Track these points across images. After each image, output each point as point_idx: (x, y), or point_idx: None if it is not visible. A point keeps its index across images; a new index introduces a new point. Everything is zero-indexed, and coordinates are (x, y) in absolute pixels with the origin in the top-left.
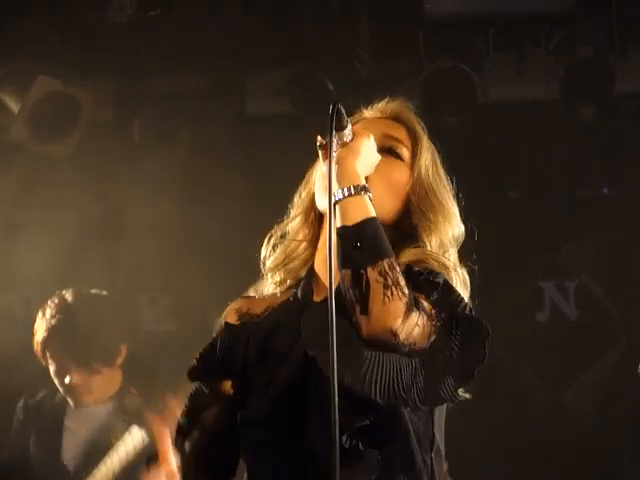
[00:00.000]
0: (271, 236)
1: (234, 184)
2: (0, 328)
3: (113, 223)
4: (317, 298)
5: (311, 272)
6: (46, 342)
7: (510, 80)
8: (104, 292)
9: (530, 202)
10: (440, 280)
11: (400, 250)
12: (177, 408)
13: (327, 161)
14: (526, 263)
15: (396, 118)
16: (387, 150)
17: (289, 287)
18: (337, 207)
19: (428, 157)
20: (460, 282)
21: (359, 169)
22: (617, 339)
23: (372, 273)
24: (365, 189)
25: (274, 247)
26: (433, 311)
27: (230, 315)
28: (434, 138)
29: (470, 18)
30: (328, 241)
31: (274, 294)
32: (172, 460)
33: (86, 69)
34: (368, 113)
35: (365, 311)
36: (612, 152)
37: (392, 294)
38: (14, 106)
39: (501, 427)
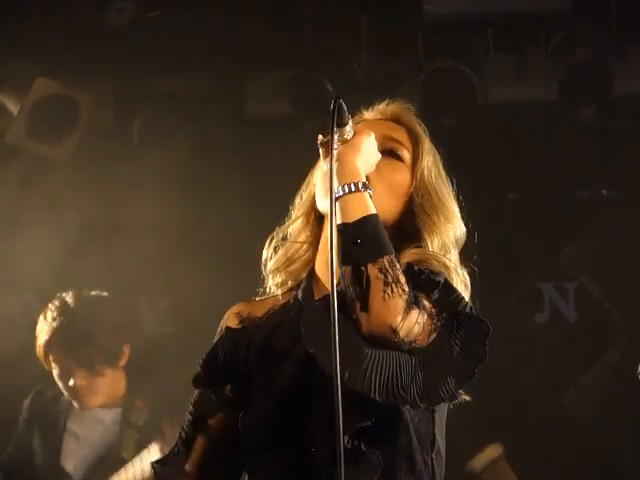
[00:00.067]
0: (272, 238)
1: (234, 185)
2: None
3: (112, 224)
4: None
5: (312, 274)
6: (48, 345)
7: (510, 81)
8: (105, 293)
9: (529, 203)
10: (441, 279)
11: (401, 250)
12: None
13: (328, 159)
14: (525, 264)
15: (397, 120)
16: (388, 152)
17: (290, 289)
18: (337, 204)
19: (430, 159)
20: (461, 283)
21: (359, 166)
22: (617, 340)
23: (372, 270)
24: (365, 186)
25: (275, 249)
26: (434, 310)
27: (231, 319)
28: (433, 139)
29: (470, 19)
30: (330, 237)
31: (275, 296)
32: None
33: (86, 70)
34: (368, 114)
35: (365, 308)
36: (611, 153)
37: (392, 291)
38: (13, 108)
39: (501, 427)
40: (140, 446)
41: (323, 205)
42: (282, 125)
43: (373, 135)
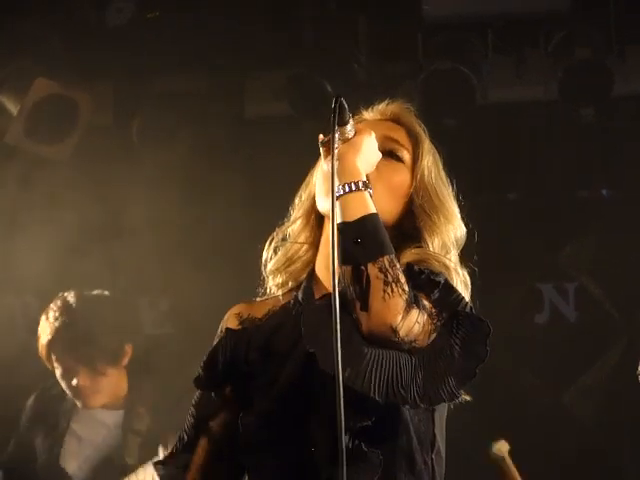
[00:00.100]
0: (272, 239)
1: (234, 185)
2: None
3: (112, 224)
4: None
5: (312, 274)
6: (51, 345)
7: (509, 82)
8: (106, 292)
9: (529, 203)
10: (441, 280)
11: (402, 250)
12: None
13: (328, 158)
14: (525, 264)
15: (396, 120)
16: (388, 153)
17: (290, 290)
18: (337, 203)
19: (430, 159)
20: (461, 283)
21: (360, 165)
22: (617, 340)
23: (372, 269)
24: (366, 185)
25: (275, 250)
26: (434, 310)
27: (231, 320)
28: (433, 140)
29: (469, 20)
30: (332, 236)
31: (276, 297)
32: None
33: (85, 70)
34: (368, 115)
35: (365, 307)
36: (611, 153)
37: (392, 291)
38: (13, 108)
39: (501, 427)
40: (143, 451)
41: (323, 205)
42: (282, 125)
43: (374, 135)
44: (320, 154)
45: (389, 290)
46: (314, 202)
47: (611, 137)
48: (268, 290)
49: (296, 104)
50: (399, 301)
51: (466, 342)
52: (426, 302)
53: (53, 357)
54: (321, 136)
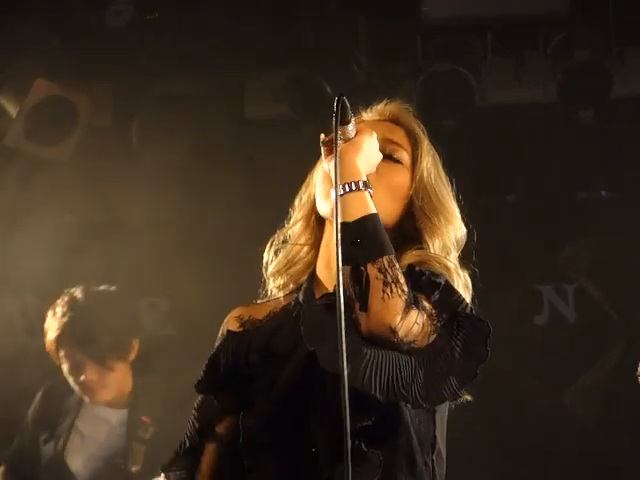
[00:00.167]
0: (273, 241)
1: (234, 185)
2: None
3: (112, 225)
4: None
5: (313, 276)
6: (59, 340)
7: (508, 83)
8: (113, 288)
9: (528, 205)
10: (441, 281)
11: (402, 252)
12: None
13: (329, 157)
14: (525, 265)
15: (395, 120)
16: (387, 154)
17: (292, 291)
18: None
19: (429, 160)
20: (462, 284)
21: (360, 165)
22: (616, 341)
23: (372, 270)
24: (366, 185)
25: (276, 252)
26: (434, 311)
27: (231, 323)
28: (432, 141)
29: (468, 22)
30: (335, 235)
31: (277, 298)
32: None
33: (85, 72)
34: (367, 115)
35: (364, 308)
36: (610, 155)
37: (391, 291)
38: (12, 110)
39: (501, 428)
40: (148, 460)
41: (322, 208)
42: (282, 125)
43: (375, 135)
44: (320, 154)
45: (388, 290)
46: (314, 204)
47: (610, 139)
48: (269, 292)
49: (295, 105)
50: (398, 302)
51: (466, 343)
52: (426, 303)
53: (61, 352)
54: (322, 136)
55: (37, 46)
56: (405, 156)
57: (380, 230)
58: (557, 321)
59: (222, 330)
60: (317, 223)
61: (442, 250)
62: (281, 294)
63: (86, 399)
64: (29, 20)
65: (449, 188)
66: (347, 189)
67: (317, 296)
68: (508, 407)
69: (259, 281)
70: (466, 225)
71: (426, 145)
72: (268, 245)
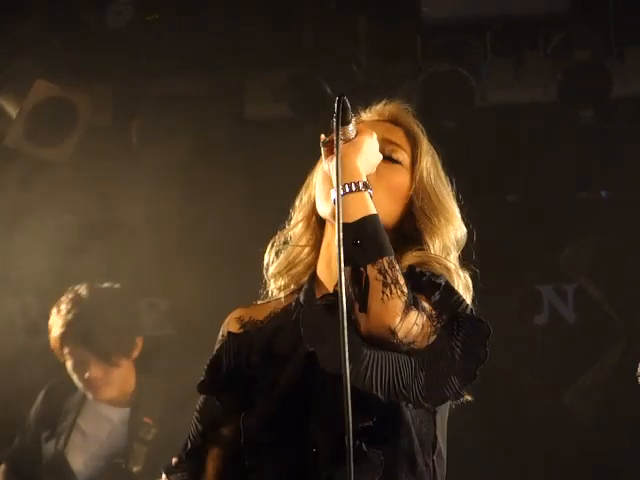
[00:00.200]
0: (274, 242)
1: (234, 185)
2: None
3: (112, 225)
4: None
5: (313, 277)
6: (64, 337)
7: (508, 84)
8: (117, 285)
9: (528, 205)
10: (442, 282)
11: (402, 253)
12: None
13: (329, 158)
14: (524, 266)
15: (394, 121)
16: (386, 156)
17: (292, 292)
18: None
19: (429, 160)
20: (462, 285)
21: (360, 166)
22: (616, 341)
23: (371, 271)
24: (366, 185)
25: (277, 253)
26: (434, 312)
27: (232, 324)
28: (431, 141)
29: (468, 22)
30: (337, 235)
31: (278, 299)
32: None
33: (85, 72)
34: (366, 116)
35: (364, 309)
36: (610, 155)
37: (391, 292)
38: (12, 110)
39: (501, 428)
40: (149, 461)
41: (322, 209)
42: (282, 125)
43: (375, 136)
44: (320, 154)
45: (388, 291)
46: (314, 204)
47: (610, 139)
48: (270, 293)
49: (295, 105)
50: (398, 302)
51: (466, 344)
52: (426, 304)
53: (66, 350)
54: (323, 136)
55: (37, 46)
56: (404, 156)
57: (380, 231)
58: (557, 321)
59: (222, 331)
60: (318, 224)
61: (442, 250)
62: (282, 295)
63: (89, 396)
64: (29, 20)
65: (449, 188)
66: (347, 190)
67: (317, 296)
68: (508, 407)
69: (259, 281)
70: (466, 225)
71: (425, 145)
72: (269, 246)
